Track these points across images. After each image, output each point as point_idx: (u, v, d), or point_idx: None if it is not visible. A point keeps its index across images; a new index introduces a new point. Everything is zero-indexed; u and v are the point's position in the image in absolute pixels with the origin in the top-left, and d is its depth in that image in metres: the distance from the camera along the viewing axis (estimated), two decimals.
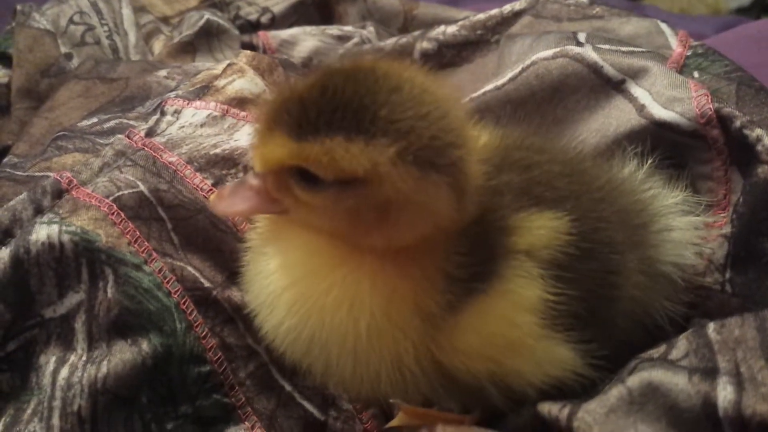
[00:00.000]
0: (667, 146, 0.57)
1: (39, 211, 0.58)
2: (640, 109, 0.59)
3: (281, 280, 0.46)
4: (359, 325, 0.43)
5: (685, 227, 0.53)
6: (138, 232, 0.56)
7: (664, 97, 0.58)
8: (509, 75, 0.66)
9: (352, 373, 0.45)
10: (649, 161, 0.56)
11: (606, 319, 0.47)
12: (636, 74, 0.61)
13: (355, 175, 0.39)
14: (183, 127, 0.65)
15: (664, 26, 0.72)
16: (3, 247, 0.56)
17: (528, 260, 0.44)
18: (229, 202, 0.45)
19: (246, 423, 0.56)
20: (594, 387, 0.45)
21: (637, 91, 0.60)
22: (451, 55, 0.81)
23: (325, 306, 0.44)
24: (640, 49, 0.65)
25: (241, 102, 0.67)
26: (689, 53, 0.67)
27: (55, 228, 0.55)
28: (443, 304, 0.43)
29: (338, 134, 0.39)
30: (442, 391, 0.46)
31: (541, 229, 0.45)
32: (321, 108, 0.40)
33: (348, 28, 1.00)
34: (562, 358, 0.44)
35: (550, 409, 0.44)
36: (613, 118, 0.60)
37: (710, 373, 0.39)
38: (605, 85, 0.62)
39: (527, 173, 0.48)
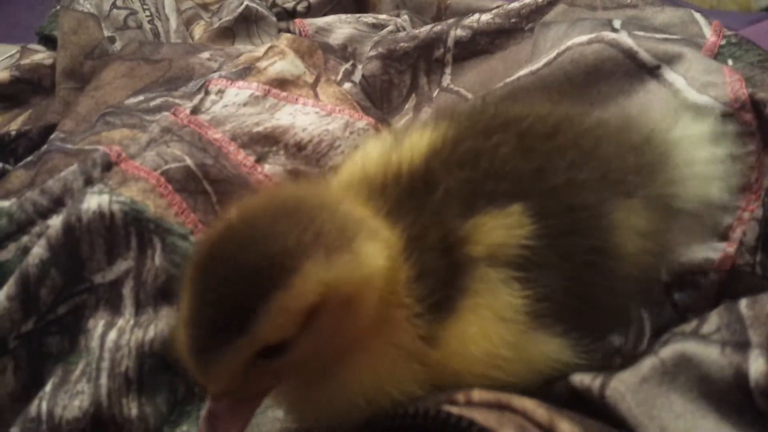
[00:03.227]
0: None
1: (89, 182, 0.60)
2: (675, 93, 0.59)
3: None
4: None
5: (710, 160, 0.51)
6: (185, 204, 0.58)
7: (698, 82, 0.58)
8: (544, 60, 0.67)
9: None
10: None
11: (601, 293, 0.45)
12: (671, 60, 0.61)
13: (311, 312, 0.37)
14: (226, 105, 0.67)
15: (698, 16, 0.72)
16: (55, 216, 0.58)
17: (490, 268, 0.42)
18: None
19: None
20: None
21: (671, 76, 0.60)
22: (485, 43, 0.82)
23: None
24: (674, 37, 0.65)
25: (282, 83, 0.69)
26: (723, 42, 0.67)
27: (105, 198, 0.57)
28: (424, 336, 0.41)
29: (267, 295, 0.35)
30: None
31: (495, 230, 0.42)
32: (225, 290, 0.36)
33: (383, 17, 1.01)
34: (553, 354, 0.43)
35: (582, 379, 0.45)
36: (648, 102, 0.61)
37: (742, 346, 0.40)
38: (640, 70, 0.62)
39: (474, 169, 0.45)
